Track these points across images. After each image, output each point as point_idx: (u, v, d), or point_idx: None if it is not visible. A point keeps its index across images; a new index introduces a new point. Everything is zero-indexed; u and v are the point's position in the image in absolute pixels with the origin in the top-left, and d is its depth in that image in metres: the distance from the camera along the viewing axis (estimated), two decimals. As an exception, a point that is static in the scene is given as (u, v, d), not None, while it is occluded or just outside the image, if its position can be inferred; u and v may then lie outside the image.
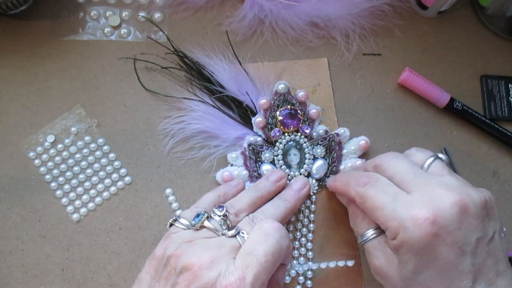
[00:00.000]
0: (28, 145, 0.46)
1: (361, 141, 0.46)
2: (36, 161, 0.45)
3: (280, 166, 0.45)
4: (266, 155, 0.45)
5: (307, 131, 0.46)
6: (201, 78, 0.47)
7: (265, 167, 0.45)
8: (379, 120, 0.49)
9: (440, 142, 0.48)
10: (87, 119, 0.47)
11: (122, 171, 0.45)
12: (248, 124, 0.47)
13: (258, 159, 0.46)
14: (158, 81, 0.48)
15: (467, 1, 0.54)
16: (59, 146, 0.46)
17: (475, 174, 0.48)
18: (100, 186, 0.45)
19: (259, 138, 0.46)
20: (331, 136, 0.46)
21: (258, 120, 0.46)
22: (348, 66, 0.50)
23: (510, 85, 0.50)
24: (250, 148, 0.46)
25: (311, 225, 0.45)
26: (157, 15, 0.50)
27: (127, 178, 0.45)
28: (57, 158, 0.45)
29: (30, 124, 0.46)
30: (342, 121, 0.48)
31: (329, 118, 0.48)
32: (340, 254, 0.44)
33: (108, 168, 0.45)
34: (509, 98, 0.50)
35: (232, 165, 0.46)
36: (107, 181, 0.45)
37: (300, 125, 0.46)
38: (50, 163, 0.45)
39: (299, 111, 0.46)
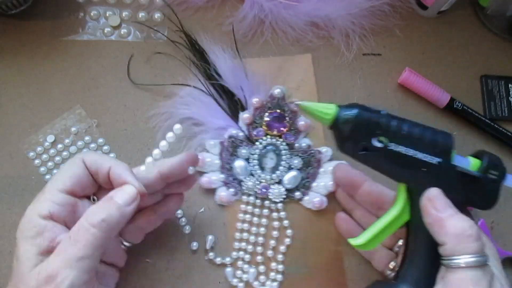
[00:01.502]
0: (28, 145, 0.46)
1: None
2: (36, 161, 0.45)
3: (253, 166, 0.45)
4: (243, 151, 0.45)
5: (291, 139, 0.46)
6: (202, 61, 0.48)
7: (238, 163, 0.45)
8: (379, 120, 0.49)
9: (440, 142, 0.48)
10: (87, 119, 0.47)
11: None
12: (234, 117, 0.46)
13: (234, 153, 0.45)
14: (152, 72, 0.48)
15: (467, 1, 0.54)
16: (59, 146, 0.46)
17: (475, 174, 0.48)
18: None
19: (241, 133, 0.46)
20: (312, 151, 0.46)
21: (245, 116, 0.46)
22: (348, 66, 0.50)
23: (510, 85, 0.50)
24: (230, 140, 0.46)
25: (275, 232, 0.44)
26: (157, 15, 0.50)
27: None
28: (57, 158, 0.45)
29: (30, 124, 0.46)
30: None
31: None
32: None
33: (108, 168, 0.45)
34: (509, 98, 0.50)
35: (208, 151, 0.46)
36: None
37: (285, 130, 0.46)
38: (50, 163, 0.45)
39: (287, 118, 0.46)
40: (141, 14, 0.50)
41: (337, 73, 0.50)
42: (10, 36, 0.49)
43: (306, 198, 0.45)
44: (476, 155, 0.35)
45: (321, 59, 0.50)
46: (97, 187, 0.37)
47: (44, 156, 0.45)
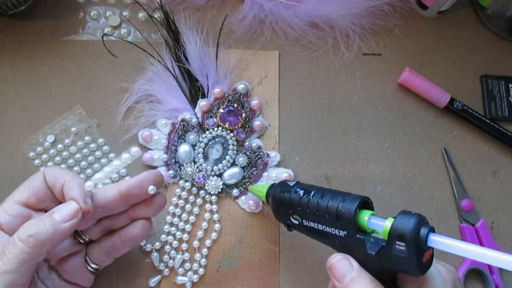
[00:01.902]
0: (28, 145, 0.46)
1: (284, 173, 0.45)
2: (36, 161, 0.45)
3: (198, 154, 0.45)
4: (191, 137, 0.45)
5: (241, 136, 0.46)
6: (175, 42, 0.48)
7: (183, 148, 0.45)
8: (379, 120, 0.49)
9: (440, 142, 0.48)
10: (87, 119, 0.47)
11: (122, 171, 0.45)
12: (193, 102, 0.47)
13: (183, 137, 0.45)
14: (130, 51, 0.49)
15: (467, 1, 0.54)
16: (59, 146, 0.46)
17: (475, 174, 0.48)
18: (100, 186, 0.45)
19: (194, 119, 0.46)
20: (261, 153, 0.46)
21: (203, 103, 0.46)
22: (348, 66, 0.50)
23: (510, 85, 0.50)
24: (182, 123, 0.46)
25: (204, 223, 0.44)
26: (157, 15, 0.50)
27: (127, 178, 0.45)
28: (57, 158, 0.45)
29: (30, 124, 0.46)
30: (284, 115, 0.48)
31: (271, 111, 0.48)
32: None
33: (108, 168, 0.45)
34: (509, 98, 0.50)
35: (158, 130, 0.46)
36: (107, 181, 0.45)
37: (236, 127, 0.46)
38: (50, 163, 0.45)
39: (243, 114, 0.46)
40: (141, 14, 0.50)
41: (337, 73, 0.50)
42: (10, 36, 0.49)
43: (242, 197, 0.45)
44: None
45: (321, 59, 0.50)
46: (57, 201, 0.36)
47: (44, 156, 0.45)
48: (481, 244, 0.45)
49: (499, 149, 0.48)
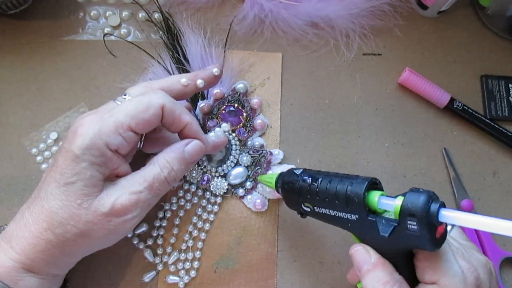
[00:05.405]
0: (30, 141, 0.46)
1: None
2: (38, 158, 0.45)
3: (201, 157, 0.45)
4: None
5: (244, 135, 0.46)
6: (174, 43, 0.48)
7: None
8: (379, 120, 0.49)
9: (440, 142, 0.48)
10: (87, 119, 0.47)
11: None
12: (193, 104, 0.47)
13: None
14: (130, 51, 0.49)
15: (467, 1, 0.54)
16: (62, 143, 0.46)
17: (475, 174, 0.48)
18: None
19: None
20: (264, 151, 0.46)
21: (203, 105, 0.46)
22: (348, 66, 0.50)
23: (510, 85, 0.50)
24: None
25: (207, 224, 0.44)
26: (157, 15, 0.50)
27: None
28: (57, 158, 0.45)
29: (30, 124, 0.46)
30: (284, 115, 0.48)
31: (272, 112, 0.48)
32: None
33: (108, 168, 0.45)
34: (509, 98, 0.50)
35: None
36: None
37: (238, 127, 0.46)
38: (52, 161, 0.45)
39: (244, 114, 0.46)
40: (141, 14, 0.50)
41: (337, 73, 0.50)
42: (10, 36, 0.49)
43: (248, 197, 0.45)
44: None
45: (321, 59, 0.50)
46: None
47: (46, 153, 0.45)
48: (481, 244, 0.45)
49: (499, 149, 0.49)
